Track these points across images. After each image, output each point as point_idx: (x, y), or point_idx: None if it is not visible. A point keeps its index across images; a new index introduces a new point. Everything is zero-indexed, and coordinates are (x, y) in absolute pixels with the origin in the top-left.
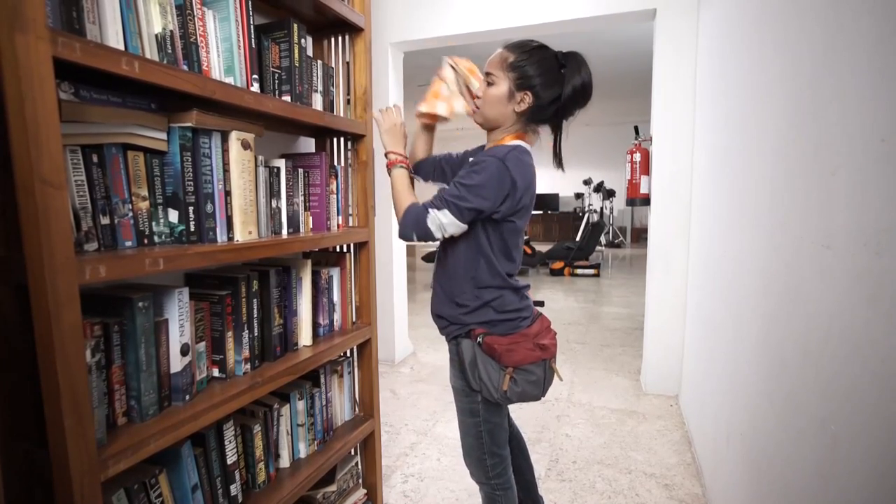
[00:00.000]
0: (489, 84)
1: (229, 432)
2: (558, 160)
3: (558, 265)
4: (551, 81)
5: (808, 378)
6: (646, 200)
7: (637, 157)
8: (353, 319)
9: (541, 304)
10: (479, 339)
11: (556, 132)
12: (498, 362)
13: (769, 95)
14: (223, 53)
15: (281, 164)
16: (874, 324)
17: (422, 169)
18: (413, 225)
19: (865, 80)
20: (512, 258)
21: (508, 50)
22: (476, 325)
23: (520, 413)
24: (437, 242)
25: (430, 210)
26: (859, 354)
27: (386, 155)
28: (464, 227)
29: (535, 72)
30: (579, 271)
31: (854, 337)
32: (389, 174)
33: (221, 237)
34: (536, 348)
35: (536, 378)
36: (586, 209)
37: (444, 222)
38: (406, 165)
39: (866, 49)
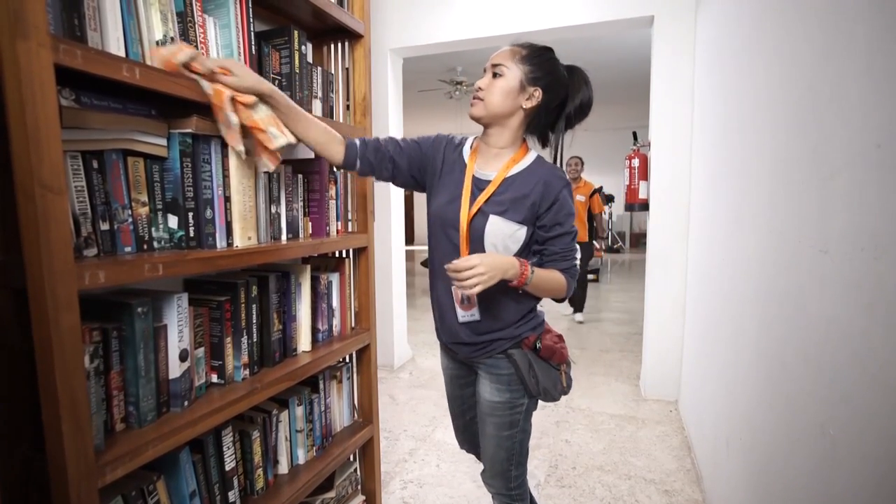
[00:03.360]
0: (496, 75)
1: (228, 438)
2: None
3: None
4: (558, 86)
5: (807, 382)
6: (644, 205)
7: (636, 162)
8: (353, 325)
9: None
10: (536, 345)
11: (554, 145)
12: (553, 362)
13: (767, 101)
14: None
15: (280, 169)
16: (872, 329)
17: (367, 162)
18: (574, 284)
19: (862, 86)
20: None
21: (519, 45)
22: (528, 333)
23: None
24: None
25: (575, 262)
26: (857, 359)
27: (515, 283)
28: None
29: (547, 71)
30: None
31: (852, 341)
32: (528, 284)
33: (221, 243)
34: (560, 339)
35: (569, 368)
36: None
37: (579, 256)
38: (524, 261)
39: (862, 55)
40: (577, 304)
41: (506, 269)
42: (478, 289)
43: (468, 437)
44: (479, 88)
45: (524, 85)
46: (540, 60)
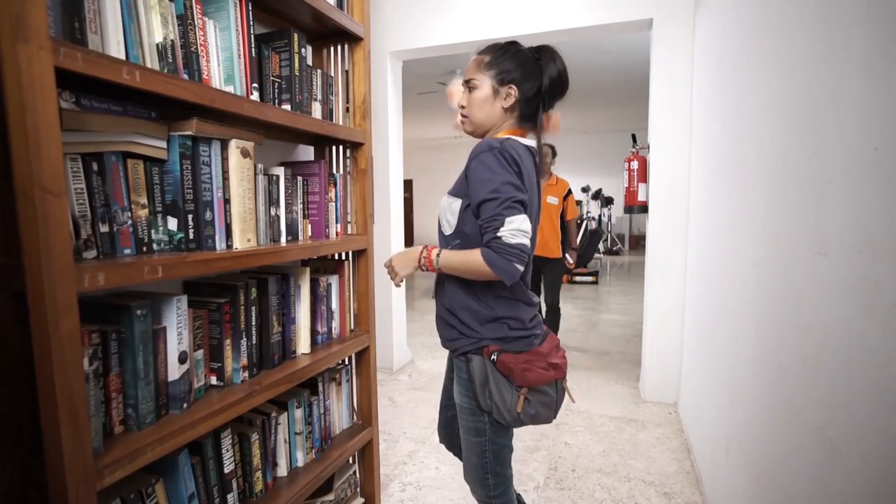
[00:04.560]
0: (472, 89)
1: (227, 441)
2: (541, 158)
3: None
4: (530, 73)
5: (806, 385)
6: (644, 208)
7: (635, 164)
8: (352, 327)
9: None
10: (493, 357)
11: (540, 124)
12: (513, 382)
13: (765, 103)
14: (223, 62)
15: (280, 171)
16: (870, 331)
17: None
18: (503, 260)
19: (860, 88)
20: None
21: (482, 53)
22: (490, 342)
23: None
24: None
25: (498, 233)
26: (856, 362)
27: (422, 266)
28: (527, 220)
29: (513, 65)
30: (578, 278)
31: (850, 344)
32: (438, 267)
33: (220, 245)
34: (550, 368)
35: (549, 399)
36: (584, 216)
37: (517, 226)
38: (430, 247)
39: (860, 58)
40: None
41: (412, 258)
42: (397, 279)
43: (446, 433)
44: (462, 106)
45: (496, 89)
46: (503, 59)
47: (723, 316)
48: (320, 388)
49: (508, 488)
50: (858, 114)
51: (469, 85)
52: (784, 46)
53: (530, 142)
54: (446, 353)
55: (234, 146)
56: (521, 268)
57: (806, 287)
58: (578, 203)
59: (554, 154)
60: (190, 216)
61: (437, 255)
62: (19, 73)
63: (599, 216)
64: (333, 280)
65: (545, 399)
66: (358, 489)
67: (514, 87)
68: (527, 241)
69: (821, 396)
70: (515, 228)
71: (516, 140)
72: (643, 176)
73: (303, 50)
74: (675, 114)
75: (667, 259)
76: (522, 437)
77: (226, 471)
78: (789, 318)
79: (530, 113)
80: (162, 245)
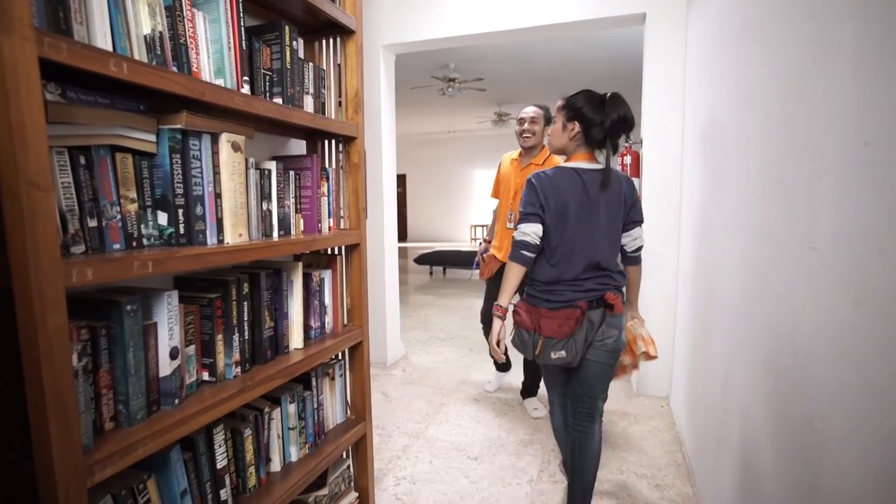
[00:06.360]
0: (552, 124)
1: (219, 436)
2: (605, 176)
3: None
4: (594, 109)
5: (796, 378)
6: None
7: (627, 159)
8: (345, 322)
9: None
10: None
11: (607, 152)
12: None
13: (757, 99)
14: (213, 55)
15: (272, 166)
16: (860, 324)
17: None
18: (513, 251)
19: (850, 84)
20: (551, 259)
21: (562, 99)
22: (524, 293)
23: (512, 415)
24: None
25: (514, 235)
26: (846, 355)
27: (498, 314)
28: (536, 226)
29: (581, 104)
30: None
31: (841, 338)
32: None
33: (211, 240)
34: (531, 321)
35: (524, 339)
36: None
37: (521, 230)
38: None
39: (851, 54)
40: (526, 388)
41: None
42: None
43: None
44: (549, 135)
45: (565, 125)
46: (570, 104)
47: (714, 310)
48: (314, 383)
49: (554, 411)
50: (849, 109)
51: (552, 121)
52: (775, 42)
53: (583, 164)
54: (439, 347)
55: (225, 140)
56: (528, 253)
57: (797, 281)
58: None
59: (545, 118)
60: (180, 211)
61: (500, 315)
62: (2, 63)
63: None
64: (326, 275)
65: (521, 337)
66: (352, 483)
67: (577, 123)
68: (526, 239)
69: (811, 390)
70: (520, 231)
71: (560, 167)
72: (636, 171)
73: (294, 43)
74: (667, 109)
75: (659, 253)
76: (516, 431)
77: (218, 466)
78: (780, 312)
79: (597, 140)
80: (152, 240)
